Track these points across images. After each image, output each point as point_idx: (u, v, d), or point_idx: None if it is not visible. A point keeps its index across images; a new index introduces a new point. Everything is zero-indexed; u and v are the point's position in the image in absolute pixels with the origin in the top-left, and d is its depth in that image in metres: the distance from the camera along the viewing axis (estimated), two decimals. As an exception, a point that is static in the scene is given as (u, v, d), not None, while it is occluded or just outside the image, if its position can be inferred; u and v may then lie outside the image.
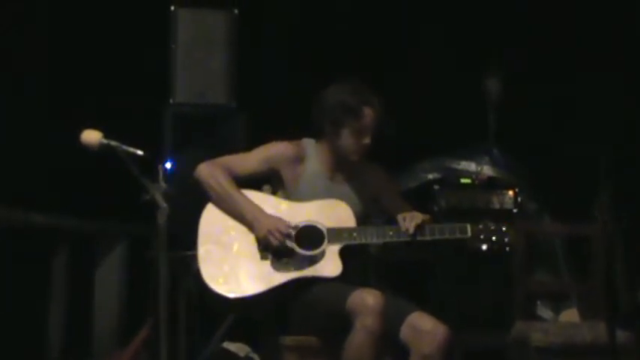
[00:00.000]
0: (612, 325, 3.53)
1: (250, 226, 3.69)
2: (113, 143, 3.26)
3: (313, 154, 3.84)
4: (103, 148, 3.27)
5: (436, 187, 5.10)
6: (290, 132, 3.90)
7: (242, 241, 3.70)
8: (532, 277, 4.76)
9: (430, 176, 5.24)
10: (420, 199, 5.01)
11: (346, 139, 3.75)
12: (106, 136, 3.28)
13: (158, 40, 5.05)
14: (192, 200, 3.77)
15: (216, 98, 4.99)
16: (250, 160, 3.82)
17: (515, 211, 5.04)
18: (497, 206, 5.06)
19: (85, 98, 5.34)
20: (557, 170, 5.33)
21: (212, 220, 3.73)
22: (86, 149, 3.29)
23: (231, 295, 3.62)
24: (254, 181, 3.85)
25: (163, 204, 3.23)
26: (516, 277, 4.32)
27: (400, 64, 5.63)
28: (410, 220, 3.67)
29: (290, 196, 3.79)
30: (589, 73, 5.53)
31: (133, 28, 5.43)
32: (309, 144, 3.86)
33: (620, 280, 4.49)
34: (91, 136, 3.28)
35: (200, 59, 4.97)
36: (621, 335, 3.81)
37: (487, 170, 5.22)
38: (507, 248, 3.71)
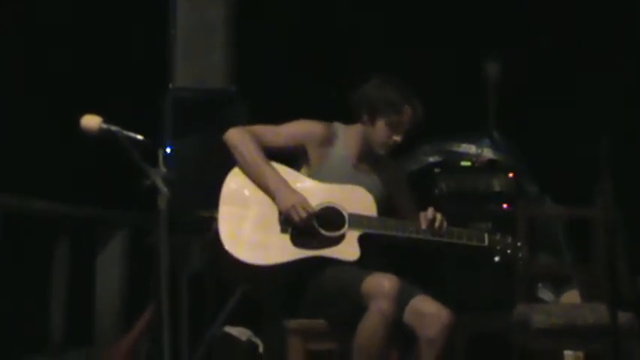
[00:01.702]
0: (614, 306, 3.53)
1: (274, 198, 3.69)
2: (113, 128, 3.26)
3: (342, 138, 3.85)
4: (102, 133, 3.26)
5: (437, 170, 5.11)
6: (290, 116, 3.90)
7: (264, 210, 3.69)
8: (533, 259, 4.76)
9: (431, 159, 5.24)
10: (420, 182, 5.03)
11: (380, 131, 3.77)
12: (105, 121, 3.28)
13: (158, 25, 5.04)
14: (192, 185, 3.77)
15: (216, 83, 4.99)
16: (281, 133, 3.82)
17: (515, 193, 5.04)
18: (497, 189, 5.06)
19: (84, 84, 5.33)
20: (558, 153, 5.34)
21: (236, 183, 3.73)
22: (86, 134, 3.29)
23: (247, 260, 3.62)
24: (281, 154, 3.84)
25: (164, 189, 3.22)
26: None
27: (401, 50, 5.63)
28: (437, 222, 3.71)
29: (312, 176, 3.80)
30: (589, 56, 5.53)
31: (133, 13, 5.42)
32: (339, 128, 3.87)
33: (621, 261, 4.49)
34: (91, 121, 3.27)
35: (200, 44, 4.95)
36: (622, 316, 3.81)
37: (487, 153, 5.22)
38: (520, 262, 3.77)
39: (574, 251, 5.12)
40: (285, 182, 3.71)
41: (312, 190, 3.72)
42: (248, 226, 3.67)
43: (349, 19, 5.71)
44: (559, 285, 5.04)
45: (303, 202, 3.66)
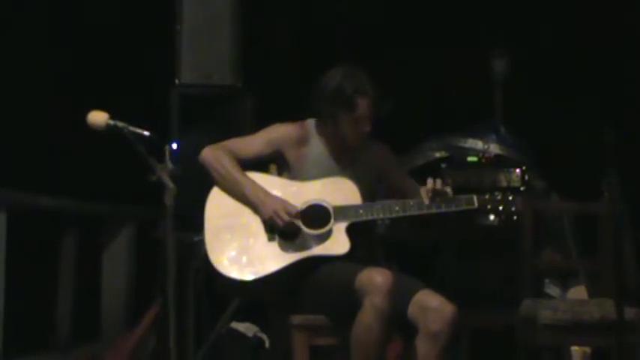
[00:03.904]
0: (620, 301, 3.52)
1: (255, 209, 3.69)
2: (120, 124, 3.26)
3: (317, 135, 3.82)
4: (109, 129, 3.26)
5: (443, 165, 5.10)
6: (297, 112, 3.89)
7: (248, 223, 3.69)
8: (540, 254, 4.75)
9: (437, 154, 5.24)
10: (426, 177, 5.02)
11: (345, 129, 3.73)
12: (112, 117, 3.28)
13: (164, 21, 5.05)
14: (198, 181, 3.77)
15: (222, 79, 4.99)
16: (254, 143, 3.81)
17: (522, 189, 5.03)
18: (504, 184, 5.04)
19: (91, 79, 5.34)
20: (564, 148, 5.33)
21: (218, 203, 3.73)
22: (93, 130, 3.29)
23: (239, 277, 3.62)
24: (260, 163, 3.85)
25: (170, 184, 3.23)
26: (524, 255, 4.32)
27: (405, 45, 5.63)
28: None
29: (295, 178, 3.78)
30: (593, 51, 5.53)
31: (139, 8, 5.42)
32: (313, 125, 3.84)
33: (628, 257, 4.49)
34: (98, 117, 3.28)
35: (206, 40, 4.95)
36: (629, 312, 3.81)
37: (494, 148, 5.21)
38: (515, 217, 3.70)
39: (581, 246, 5.11)
40: (263, 190, 3.70)
41: (294, 192, 3.71)
42: (236, 243, 3.66)
43: (356, 15, 5.70)
44: (566, 280, 5.04)
45: (284, 205, 3.65)
